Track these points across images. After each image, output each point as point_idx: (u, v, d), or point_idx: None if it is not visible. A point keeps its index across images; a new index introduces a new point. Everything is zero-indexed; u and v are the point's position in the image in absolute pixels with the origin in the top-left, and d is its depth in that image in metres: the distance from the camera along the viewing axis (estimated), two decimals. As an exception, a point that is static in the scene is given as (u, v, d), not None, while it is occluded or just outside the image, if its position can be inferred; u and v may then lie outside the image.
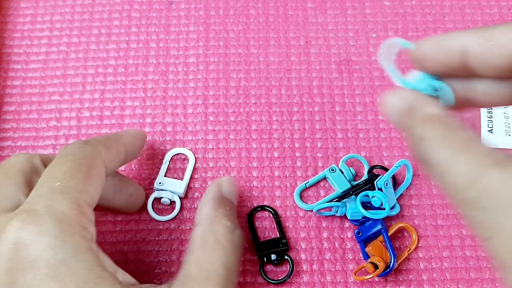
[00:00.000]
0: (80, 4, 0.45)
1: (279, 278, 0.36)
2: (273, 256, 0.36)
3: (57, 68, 0.43)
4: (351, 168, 0.39)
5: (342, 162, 0.39)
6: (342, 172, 0.38)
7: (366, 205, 0.37)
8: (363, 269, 0.36)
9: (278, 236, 0.37)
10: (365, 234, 0.36)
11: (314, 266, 0.37)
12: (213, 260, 0.30)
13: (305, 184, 0.39)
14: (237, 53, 0.44)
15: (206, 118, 0.41)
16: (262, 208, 0.38)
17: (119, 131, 0.38)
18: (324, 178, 0.39)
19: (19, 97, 0.42)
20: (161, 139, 0.41)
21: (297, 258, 0.37)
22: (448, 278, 0.36)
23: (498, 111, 0.39)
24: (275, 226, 0.38)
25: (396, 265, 0.35)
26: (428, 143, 0.26)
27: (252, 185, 0.39)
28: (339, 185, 0.38)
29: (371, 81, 0.43)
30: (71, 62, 0.43)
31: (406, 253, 0.37)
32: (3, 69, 0.43)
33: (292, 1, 0.46)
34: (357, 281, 0.36)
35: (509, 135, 0.37)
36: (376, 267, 0.35)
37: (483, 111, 0.39)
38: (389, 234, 0.36)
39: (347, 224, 0.38)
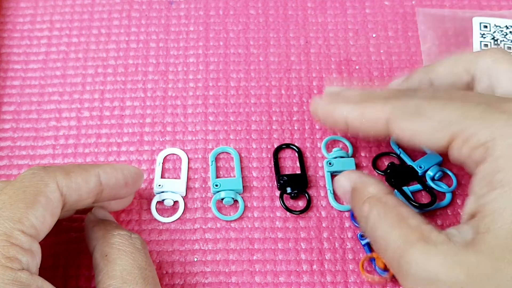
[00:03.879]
0: (80, 4, 0.46)
1: (296, 210, 0.38)
2: (289, 189, 0.38)
3: (56, 68, 0.43)
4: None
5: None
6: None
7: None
8: (369, 268, 0.36)
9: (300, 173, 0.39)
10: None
11: (314, 266, 0.37)
12: (122, 266, 0.29)
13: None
14: (237, 53, 0.44)
15: (206, 118, 0.41)
16: (287, 146, 0.40)
17: (100, 163, 0.36)
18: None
19: (19, 97, 0.42)
20: (161, 139, 0.41)
21: (297, 258, 0.37)
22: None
23: None
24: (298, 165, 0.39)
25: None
26: (371, 221, 0.30)
27: (252, 185, 0.39)
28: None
29: (371, 81, 0.43)
30: (70, 62, 0.43)
31: None
32: (3, 69, 0.43)
33: (292, 1, 0.46)
34: (357, 281, 0.36)
35: None
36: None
37: None
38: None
39: (347, 224, 0.38)
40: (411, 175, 0.38)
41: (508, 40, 0.41)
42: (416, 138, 0.30)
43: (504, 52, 0.33)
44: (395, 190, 0.37)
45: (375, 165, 0.39)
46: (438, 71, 0.35)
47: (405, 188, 0.38)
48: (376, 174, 0.39)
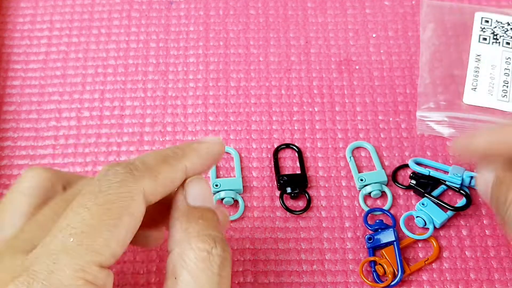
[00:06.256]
0: (80, 4, 0.45)
1: (296, 210, 0.38)
2: (289, 189, 0.38)
3: (57, 68, 0.43)
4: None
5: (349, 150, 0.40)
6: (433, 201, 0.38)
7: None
8: (368, 268, 0.36)
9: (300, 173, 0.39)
10: (376, 242, 0.36)
11: (314, 267, 0.37)
12: None
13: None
14: (237, 53, 0.44)
15: (206, 118, 0.41)
16: (287, 146, 0.40)
17: (185, 145, 0.28)
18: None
19: (19, 97, 0.42)
20: (161, 139, 0.41)
21: (297, 258, 0.37)
22: (448, 279, 0.36)
23: (484, 72, 0.41)
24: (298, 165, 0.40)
25: (409, 272, 0.36)
26: None
27: (252, 185, 0.39)
28: (436, 218, 0.37)
29: (371, 81, 0.43)
30: (71, 62, 0.43)
31: (423, 263, 0.37)
32: (3, 69, 0.43)
33: (292, 1, 0.46)
34: (358, 281, 0.36)
35: (491, 95, 0.40)
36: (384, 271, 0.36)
37: (470, 70, 0.41)
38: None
39: (347, 224, 0.38)
40: (436, 180, 0.38)
41: (508, 36, 0.42)
42: None
43: None
44: (424, 198, 0.38)
45: (395, 179, 0.39)
46: None
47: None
48: (400, 188, 0.39)
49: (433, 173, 0.38)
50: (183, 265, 0.25)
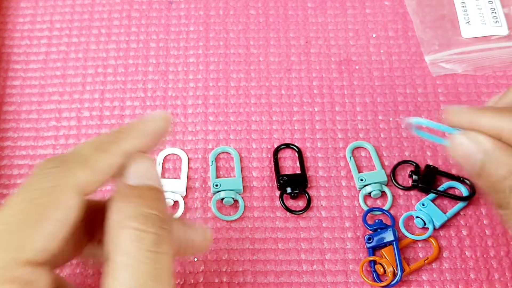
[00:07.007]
0: (80, 4, 0.45)
1: (296, 210, 0.38)
2: (289, 189, 0.38)
3: (57, 68, 0.43)
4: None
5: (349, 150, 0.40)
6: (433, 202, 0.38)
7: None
8: (368, 268, 0.36)
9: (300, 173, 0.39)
10: (376, 242, 0.36)
11: (314, 266, 0.37)
12: (120, 284, 0.23)
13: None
14: (237, 53, 0.44)
15: (206, 118, 0.41)
16: (287, 146, 0.40)
17: (126, 126, 0.27)
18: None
19: (19, 97, 0.42)
20: (161, 139, 0.41)
21: (297, 258, 0.37)
22: (448, 279, 0.36)
23: (471, 5, 0.44)
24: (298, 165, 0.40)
25: (409, 270, 0.36)
26: None
27: (252, 185, 0.39)
28: (436, 218, 0.37)
29: (371, 81, 0.43)
30: (71, 62, 0.43)
31: (423, 262, 0.37)
32: (3, 69, 0.43)
33: (292, 1, 0.46)
34: (358, 281, 0.36)
35: (485, 24, 0.42)
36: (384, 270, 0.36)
37: (458, 6, 0.44)
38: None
39: (347, 224, 0.38)
40: (435, 174, 0.38)
41: None
42: None
43: None
44: (424, 198, 0.38)
45: (395, 177, 0.39)
46: None
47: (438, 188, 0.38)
48: (400, 189, 0.39)
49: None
50: (117, 245, 0.24)
